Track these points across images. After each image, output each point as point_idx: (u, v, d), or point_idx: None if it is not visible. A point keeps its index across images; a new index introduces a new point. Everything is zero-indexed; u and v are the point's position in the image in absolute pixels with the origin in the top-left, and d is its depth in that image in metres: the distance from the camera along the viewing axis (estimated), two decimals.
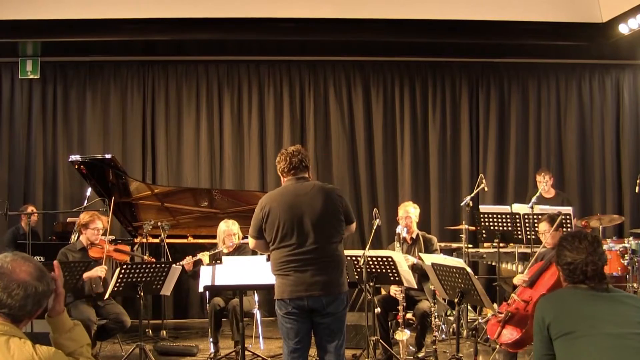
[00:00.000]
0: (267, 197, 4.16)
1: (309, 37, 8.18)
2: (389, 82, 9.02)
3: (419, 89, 9.04)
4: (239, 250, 6.41)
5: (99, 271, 5.86)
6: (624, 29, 7.66)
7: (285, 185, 4.15)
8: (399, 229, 6.16)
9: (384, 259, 5.42)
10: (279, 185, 4.31)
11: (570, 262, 2.82)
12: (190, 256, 6.31)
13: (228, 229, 6.43)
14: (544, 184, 7.53)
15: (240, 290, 5.46)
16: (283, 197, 4.08)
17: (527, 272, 4.96)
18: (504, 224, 6.49)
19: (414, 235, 6.30)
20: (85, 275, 5.78)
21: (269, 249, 4.14)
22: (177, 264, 6.06)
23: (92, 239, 6.07)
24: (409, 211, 6.28)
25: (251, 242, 4.26)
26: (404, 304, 5.71)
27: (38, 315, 2.22)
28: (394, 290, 5.80)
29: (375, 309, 5.63)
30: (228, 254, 6.22)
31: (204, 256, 6.28)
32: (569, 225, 6.22)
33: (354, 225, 4.26)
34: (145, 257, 6.53)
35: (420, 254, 5.89)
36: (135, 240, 7.13)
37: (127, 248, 6.44)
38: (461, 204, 7.20)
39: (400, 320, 5.67)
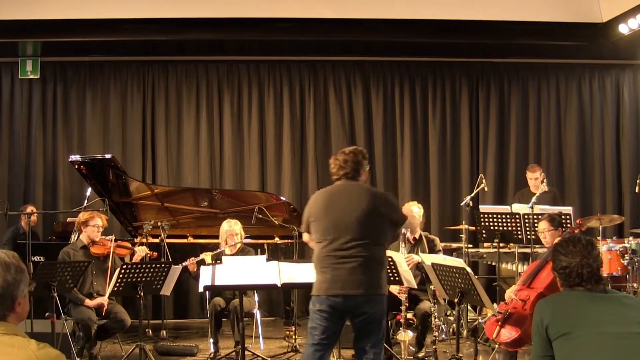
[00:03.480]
0: (316, 194, 4.29)
1: (309, 37, 8.18)
2: (389, 82, 9.02)
3: (419, 89, 9.05)
4: (242, 252, 6.40)
5: (103, 300, 5.88)
6: (624, 29, 7.66)
7: (336, 184, 4.25)
8: (403, 229, 6.14)
9: None
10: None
11: (566, 266, 2.84)
12: (193, 257, 6.30)
13: (230, 229, 6.42)
14: (534, 180, 7.54)
15: (241, 290, 5.46)
16: (329, 195, 4.19)
17: (517, 286, 4.95)
18: (504, 224, 6.50)
19: (416, 236, 6.29)
20: (89, 303, 5.82)
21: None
22: (181, 264, 6.06)
23: (93, 236, 6.07)
24: (413, 211, 6.26)
25: (304, 236, 4.37)
26: (407, 303, 5.70)
27: (21, 303, 2.13)
28: (397, 289, 5.78)
29: None
30: (231, 256, 6.20)
31: (207, 256, 6.27)
32: (569, 225, 6.22)
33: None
34: (147, 250, 6.50)
35: (421, 254, 5.88)
36: (135, 240, 7.12)
37: (129, 245, 6.44)
38: (461, 204, 7.20)
39: (402, 321, 5.66)
